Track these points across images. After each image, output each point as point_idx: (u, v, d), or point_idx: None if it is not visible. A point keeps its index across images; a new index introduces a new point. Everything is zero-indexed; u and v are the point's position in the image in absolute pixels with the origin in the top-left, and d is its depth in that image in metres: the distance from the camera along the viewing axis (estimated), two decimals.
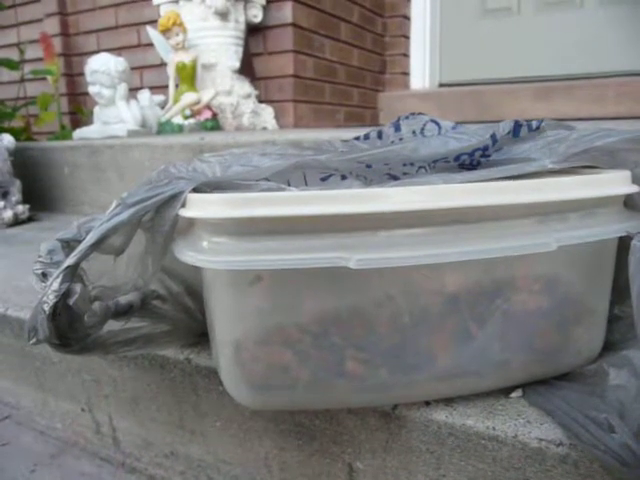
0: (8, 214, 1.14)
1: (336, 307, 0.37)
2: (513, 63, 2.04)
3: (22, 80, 1.67)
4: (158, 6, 1.68)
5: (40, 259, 0.40)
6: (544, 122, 0.47)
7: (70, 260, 0.38)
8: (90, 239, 0.38)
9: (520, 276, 0.39)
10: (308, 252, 0.34)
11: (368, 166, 0.49)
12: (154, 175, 0.46)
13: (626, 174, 0.41)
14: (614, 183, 0.40)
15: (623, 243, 0.42)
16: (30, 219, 1.21)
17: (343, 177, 0.49)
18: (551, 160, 0.44)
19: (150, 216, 0.41)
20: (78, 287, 0.38)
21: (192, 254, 0.36)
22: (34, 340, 0.39)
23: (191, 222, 0.39)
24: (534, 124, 0.47)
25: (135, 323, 0.50)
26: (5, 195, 1.16)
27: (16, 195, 1.18)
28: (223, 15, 1.59)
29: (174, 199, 0.39)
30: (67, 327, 0.39)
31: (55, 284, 0.37)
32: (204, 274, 0.40)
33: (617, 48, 1.84)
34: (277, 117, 1.76)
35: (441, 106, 2.02)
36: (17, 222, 1.18)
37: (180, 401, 0.57)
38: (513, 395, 0.42)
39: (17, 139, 1.60)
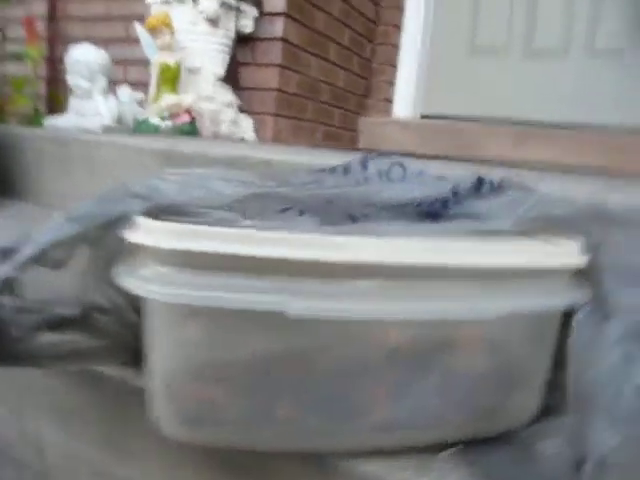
0: None
1: (272, 349, 0.36)
2: (496, 103, 2.08)
3: None
4: (150, 5, 1.66)
5: None
6: (506, 181, 0.48)
7: (4, 271, 0.36)
8: (29, 252, 0.37)
9: (462, 336, 0.39)
10: (247, 292, 0.33)
11: (329, 202, 0.49)
12: (110, 189, 0.44)
13: (577, 245, 0.41)
14: (565, 253, 0.41)
15: (567, 313, 0.42)
16: None
17: (301, 212, 0.48)
18: (509, 221, 0.44)
19: (97, 233, 0.40)
20: (7, 300, 0.36)
21: (131, 280, 0.35)
22: None
23: (136, 246, 0.38)
24: (496, 182, 0.48)
25: (73, 337, 0.48)
26: None
27: None
28: (213, 22, 1.58)
29: (122, 220, 0.38)
30: None
31: None
32: (143, 300, 0.39)
33: (600, 100, 1.87)
34: (256, 129, 1.75)
35: (421, 137, 2.04)
36: None
37: (111, 420, 0.55)
38: (449, 451, 0.42)
39: None
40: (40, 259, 0.37)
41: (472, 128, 1.98)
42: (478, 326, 0.39)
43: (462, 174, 0.51)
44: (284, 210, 0.50)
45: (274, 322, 0.36)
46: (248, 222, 0.41)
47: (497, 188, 0.47)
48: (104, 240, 0.40)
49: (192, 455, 0.50)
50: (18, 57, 1.57)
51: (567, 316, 0.42)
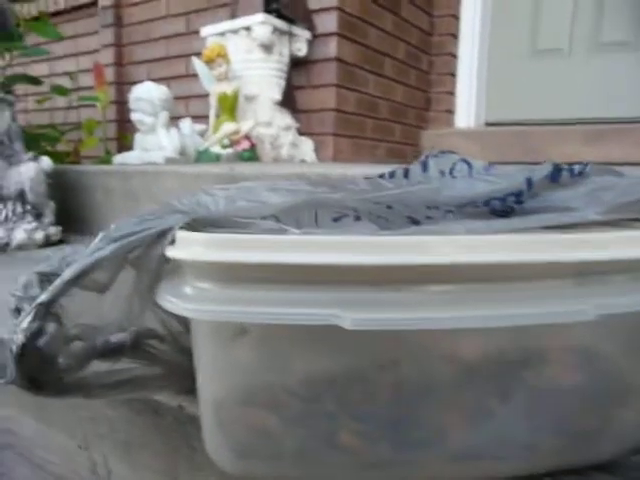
0: (40, 235, 1.15)
1: (330, 369, 0.32)
2: (562, 104, 1.97)
3: (69, 107, 1.72)
4: (205, 38, 1.70)
5: (15, 293, 0.37)
6: (589, 166, 0.42)
7: (43, 297, 0.34)
8: (68, 275, 0.35)
9: (552, 347, 0.33)
10: (298, 306, 0.30)
11: (389, 207, 0.45)
12: (155, 208, 0.43)
13: None
14: None
15: None
16: (61, 241, 1.22)
17: (357, 218, 0.44)
18: (595, 210, 0.38)
19: (139, 252, 0.38)
20: (51, 327, 0.35)
21: (172, 299, 0.32)
22: (3, 380, 0.36)
23: (179, 263, 0.35)
24: (576, 169, 0.42)
25: (126, 365, 0.47)
26: (38, 216, 1.17)
27: (49, 217, 1.19)
28: (267, 48, 1.60)
29: (162, 236, 0.36)
30: (37, 369, 0.35)
31: (25, 322, 0.34)
32: (190, 322, 0.36)
33: None
34: (317, 150, 1.75)
35: (485, 146, 1.96)
36: (48, 243, 1.18)
37: (173, 451, 0.53)
38: None
39: (62, 162, 1.64)
40: (81, 282, 0.36)
41: (539, 131, 1.88)
42: (571, 332, 0.33)
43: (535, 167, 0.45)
44: (339, 218, 0.46)
45: (330, 338, 0.32)
46: (296, 231, 0.38)
47: (578, 175, 0.41)
48: (147, 260, 0.37)
49: None
50: (85, 100, 1.66)
51: None
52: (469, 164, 0.49)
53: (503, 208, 0.43)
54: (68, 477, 0.67)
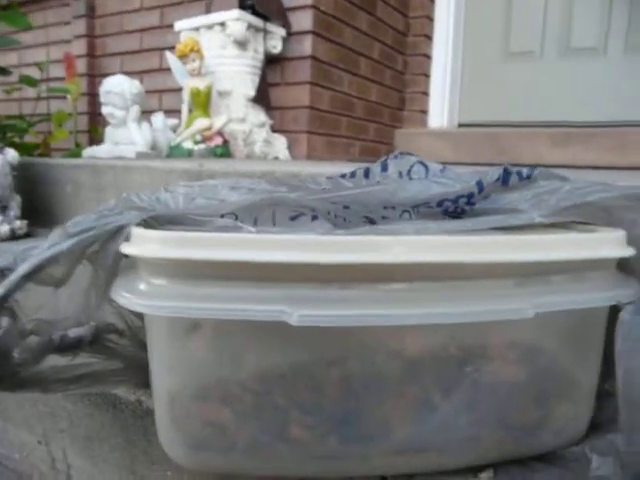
0: (5, 228, 1.13)
1: (280, 364, 0.33)
2: (532, 107, 2.02)
3: (38, 98, 1.69)
4: (179, 33, 1.69)
5: None
6: (537, 170, 0.44)
7: None
8: (23, 269, 0.35)
9: (493, 343, 0.35)
10: (248, 302, 0.30)
11: (346, 207, 0.46)
12: (111, 203, 0.43)
13: (621, 234, 0.37)
14: (606, 244, 0.36)
15: (616, 310, 0.37)
16: (27, 235, 1.20)
17: (314, 217, 0.45)
18: (540, 213, 0.39)
19: (96, 247, 0.38)
20: (4, 321, 0.35)
21: (126, 295, 0.33)
22: None
23: (135, 259, 0.36)
24: (525, 172, 0.44)
25: (85, 359, 0.47)
26: (4, 210, 1.16)
27: (15, 210, 1.17)
28: (242, 44, 1.60)
29: (119, 232, 0.36)
30: None
31: None
32: (144, 318, 0.37)
33: None
34: (290, 147, 1.75)
35: (457, 146, 1.99)
36: (14, 237, 1.16)
37: (131, 444, 0.53)
38: (482, 476, 0.37)
39: (29, 154, 1.61)
40: (37, 277, 0.36)
41: (509, 133, 1.92)
42: (512, 330, 0.34)
43: (489, 169, 0.46)
44: (296, 217, 0.47)
45: (280, 334, 0.33)
46: (251, 229, 0.38)
47: (527, 179, 0.43)
48: (104, 256, 0.38)
49: None
50: (55, 91, 1.63)
51: (616, 315, 0.37)
52: (426, 166, 0.51)
53: (455, 209, 0.45)
54: (28, 473, 0.67)
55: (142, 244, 0.33)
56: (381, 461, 0.36)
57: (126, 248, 0.34)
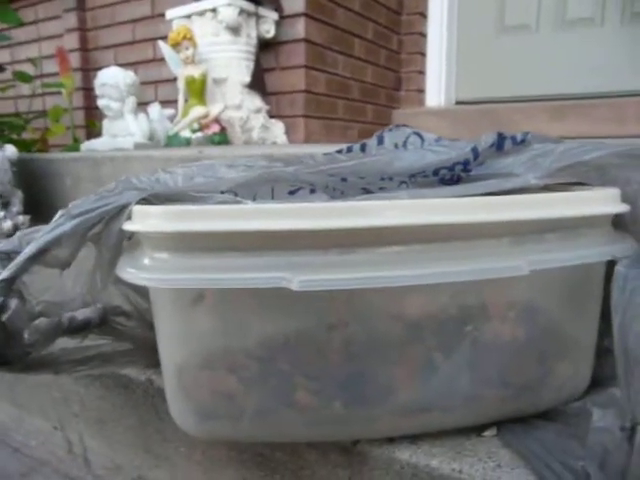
0: (8, 224, 1.14)
1: (284, 331, 0.34)
2: (530, 81, 2.00)
3: (34, 94, 1.69)
4: (171, 21, 1.68)
5: None
6: (530, 134, 0.44)
7: (5, 273, 0.35)
8: (29, 251, 0.36)
9: (491, 302, 0.35)
10: (249, 271, 0.31)
11: (343, 179, 0.47)
12: (112, 185, 0.44)
13: (615, 192, 0.37)
14: (600, 201, 0.36)
15: (613, 268, 0.38)
16: None
17: (312, 191, 0.46)
18: (534, 175, 0.40)
19: (99, 228, 0.39)
20: (13, 302, 0.36)
21: (131, 270, 0.34)
22: None
23: (137, 237, 0.37)
24: (519, 137, 0.44)
25: (94, 341, 0.48)
26: (6, 205, 1.16)
27: (17, 206, 1.18)
28: (235, 30, 1.59)
29: (120, 211, 0.37)
30: (3, 344, 0.36)
31: None
32: (150, 292, 0.37)
33: (638, 67, 1.79)
34: (288, 132, 1.75)
35: (456, 124, 1.98)
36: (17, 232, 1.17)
37: (145, 424, 0.54)
38: (486, 434, 0.38)
39: (28, 150, 1.62)
40: (42, 259, 0.37)
41: (507, 109, 1.91)
42: (510, 288, 0.35)
43: (483, 136, 0.47)
44: (294, 191, 0.48)
45: (283, 300, 0.33)
46: (250, 203, 0.39)
47: (521, 143, 0.44)
48: (107, 236, 0.38)
49: (226, 459, 0.48)
50: (49, 86, 1.63)
51: (613, 272, 0.38)
52: (421, 137, 0.51)
53: (451, 177, 0.45)
54: (45, 459, 0.68)
55: (144, 220, 0.34)
56: (386, 423, 0.37)
57: (129, 225, 0.35)
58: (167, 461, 0.54)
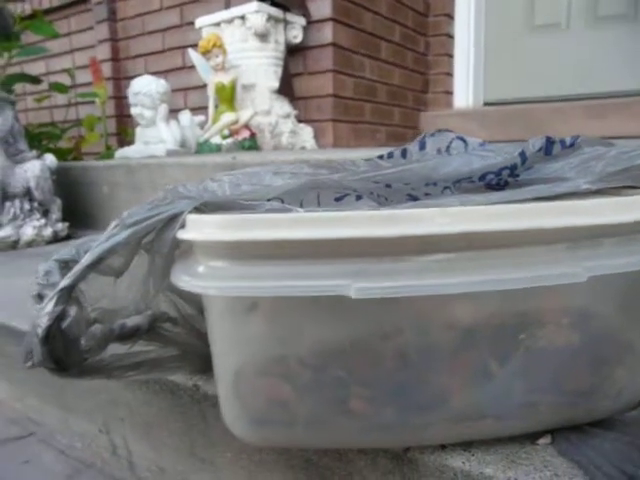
0: (48, 231, 1.17)
1: (338, 339, 0.34)
2: (562, 80, 1.97)
3: (69, 104, 1.73)
4: (201, 29, 1.71)
5: (37, 280, 0.39)
6: (580, 138, 0.43)
7: (65, 282, 0.36)
8: (86, 260, 0.37)
9: (547, 309, 0.35)
10: (305, 279, 0.31)
11: (388, 186, 0.47)
12: (161, 194, 0.44)
13: None
14: None
15: None
16: (69, 237, 1.24)
17: (358, 197, 0.46)
18: (586, 180, 0.39)
19: (151, 237, 0.40)
20: (73, 310, 0.37)
21: (186, 278, 0.34)
22: (30, 364, 0.38)
23: (191, 245, 0.37)
24: (568, 141, 0.43)
25: (142, 347, 0.49)
26: (46, 213, 1.20)
27: (56, 213, 1.21)
28: (263, 36, 1.60)
29: (173, 220, 0.37)
30: (62, 351, 0.37)
31: (49, 306, 0.36)
32: (204, 300, 0.38)
33: None
34: (316, 137, 1.76)
35: (485, 126, 1.96)
36: (56, 239, 1.20)
37: (190, 428, 0.55)
38: (540, 442, 0.38)
39: (64, 159, 1.66)
40: (99, 267, 0.38)
41: (540, 108, 1.88)
42: (565, 294, 0.35)
43: (530, 140, 0.46)
44: (341, 198, 0.48)
45: (338, 308, 0.33)
46: (300, 210, 0.39)
47: (570, 147, 0.43)
48: (160, 244, 0.39)
49: (273, 464, 0.48)
50: (85, 96, 1.67)
51: None
52: (465, 141, 0.51)
53: (498, 182, 0.45)
54: (90, 461, 0.70)
55: (199, 229, 0.34)
56: (439, 430, 0.37)
57: (183, 234, 0.35)
58: (212, 465, 0.55)
